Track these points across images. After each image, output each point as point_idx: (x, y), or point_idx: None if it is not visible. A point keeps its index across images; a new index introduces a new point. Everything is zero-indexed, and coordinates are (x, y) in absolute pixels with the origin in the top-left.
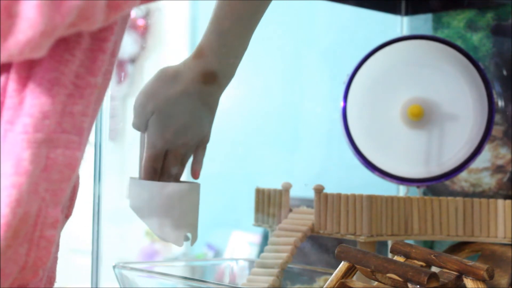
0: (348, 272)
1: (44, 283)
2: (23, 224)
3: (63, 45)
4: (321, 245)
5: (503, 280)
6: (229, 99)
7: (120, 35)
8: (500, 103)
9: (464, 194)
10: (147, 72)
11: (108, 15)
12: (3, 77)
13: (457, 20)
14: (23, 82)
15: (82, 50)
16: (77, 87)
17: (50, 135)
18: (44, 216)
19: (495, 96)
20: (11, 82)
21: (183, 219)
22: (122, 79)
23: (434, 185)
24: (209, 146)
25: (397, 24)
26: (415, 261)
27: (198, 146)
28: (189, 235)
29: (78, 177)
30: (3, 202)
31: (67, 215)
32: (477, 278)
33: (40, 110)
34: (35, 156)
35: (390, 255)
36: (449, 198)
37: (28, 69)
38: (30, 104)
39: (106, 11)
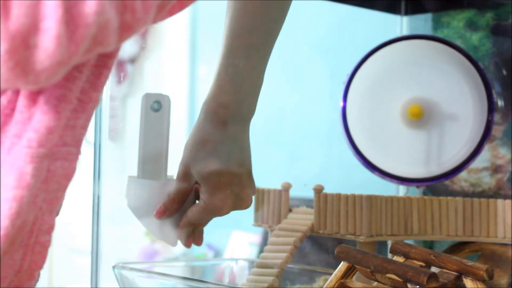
0: (348, 272)
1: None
2: (20, 233)
3: None
4: (321, 245)
5: (503, 280)
6: None
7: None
8: (500, 103)
9: (464, 194)
10: (147, 72)
11: (121, 36)
12: (14, 93)
13: (457, 20)
14: (34, 98)
15: (89, 66)
16: (81, 102)
17: (52, 149)
18: (40, 223)
19: (495, 96)
20: (22, 97)
21: (179, 219)
22: (122, 79)
23: (434, 185)
24: None
25: (397, 24)
26: (415, 261)
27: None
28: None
29: None
30: (3, 215)
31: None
32: (476, 278)
33: (45, 125)
34: (37, 170)
35: (389, 255)
36: (449, 198)
37: None
38: (37, 120)
39: (118, 33)
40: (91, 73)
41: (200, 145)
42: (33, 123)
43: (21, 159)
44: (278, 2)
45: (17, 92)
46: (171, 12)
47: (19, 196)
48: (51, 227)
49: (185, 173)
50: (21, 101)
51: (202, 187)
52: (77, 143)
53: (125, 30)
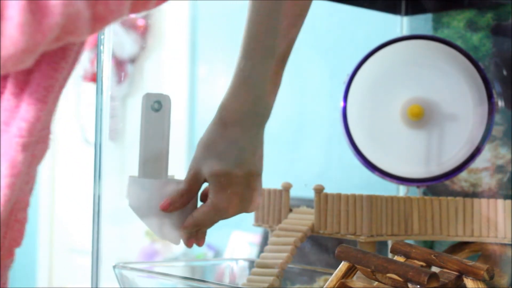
0: (348, 272)
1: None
2: (6, 215)
3: (61, 53)
4: (321, 245)
5: (503, 280)
6: None
7: None
8: (500, 103)
9: (464, 194)
10: (147, 72)
11: (94, 27)
12: (2, 80)
13: (457, 20)
14: (21, 86)
15: (73, 54)
16: (61, 89)
17: (38, 135)
18: (19, 202)
19: (495, 96)
20: (9, 85)
21: (181, 218)
22: (122, 79)
23: (434, 185)
24: None
25: (397, 24)
26: (415, 261)
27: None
28: None
29: None
30: None
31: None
32: (477, 278)
33: (34, 115)
34: (27, 157)
35: (390, 255)
36: (449, 198)
37: (26, 74)
38: (26, 109)
39: (91, 23)
40: (72, 61)
41: (210, 145)
42: (21, 112)
43: (12, 149)
44: (295, 4)
45: (4, 80)
46: (157, 2)
47: (11, 183)
48: (27, 204)
49: (195, 172)
50: (9, 89)
51: (210, 186)
52: (50, 124)
53: (98, 21)
